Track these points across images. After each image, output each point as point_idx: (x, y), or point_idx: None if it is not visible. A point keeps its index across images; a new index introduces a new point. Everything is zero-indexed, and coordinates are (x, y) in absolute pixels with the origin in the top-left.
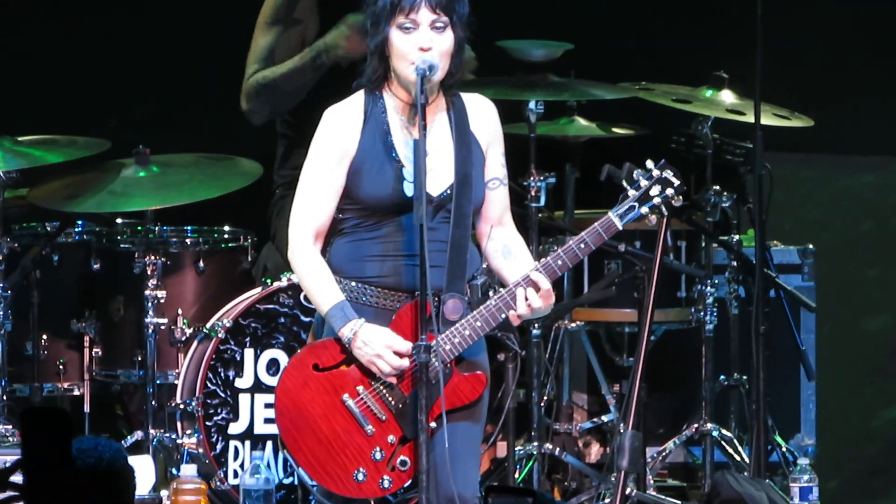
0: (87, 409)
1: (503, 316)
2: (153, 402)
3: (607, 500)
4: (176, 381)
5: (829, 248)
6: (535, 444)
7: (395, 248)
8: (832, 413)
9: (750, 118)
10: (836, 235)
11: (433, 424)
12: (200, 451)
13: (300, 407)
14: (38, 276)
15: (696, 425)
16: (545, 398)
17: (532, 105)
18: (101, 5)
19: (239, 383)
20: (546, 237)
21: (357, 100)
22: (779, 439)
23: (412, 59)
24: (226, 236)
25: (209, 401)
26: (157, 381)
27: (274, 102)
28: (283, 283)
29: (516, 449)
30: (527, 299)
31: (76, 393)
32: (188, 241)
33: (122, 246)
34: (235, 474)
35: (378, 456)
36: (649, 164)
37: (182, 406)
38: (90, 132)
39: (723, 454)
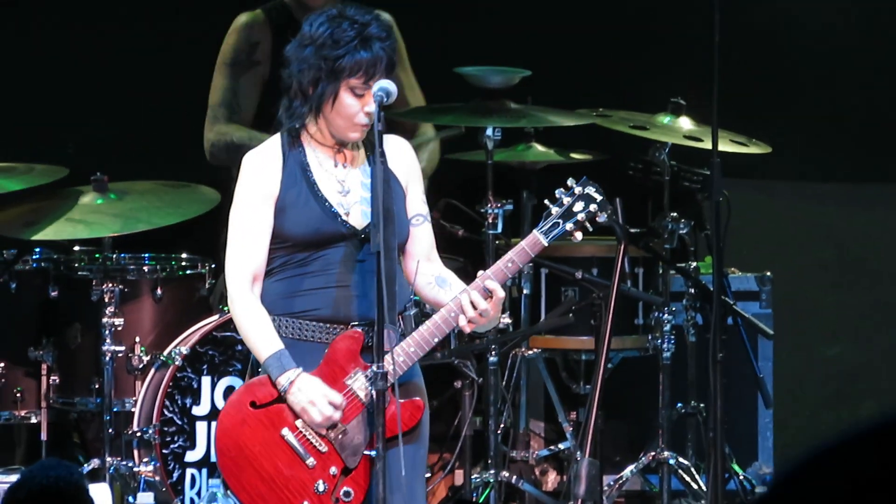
0: (44, 436)
1: (446, 331)
2: (110, 430)
3: None
4: (133, 409)
5: (787, 275)
6: (492, 471)
7: (326, 281)
8: (790, 440)
9: (707, 145)
10: (794, 262)
11: (373, 452)
12: (157, 478)
13: (240, 445)
14: None
15: (653, 453)
16: (502, 426)
17: (489, 132)
18: (59, 30)
19: (196, 411)
20: None
21: (274, 142)
22: (736, 467)
23: (358, 122)
24: (183, 263)
25: (166, 428)
26: (115, 409)
27: (240, 160)
28: None
29: (473, 477)
30: (473, 304)
31: (33, 421)
32: (146, 268)
33: (79, 273)
34: (192, 502)
35: (321, 488)
36: (570, 181)
37: (139, 434)
38: (48, 159)
39: (680, 482)
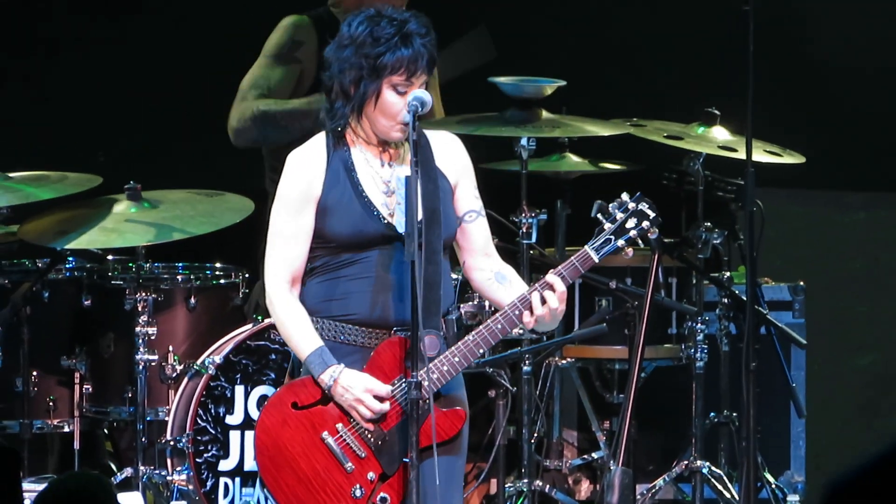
0: (77, 445)
1: (503, 335)
2: (143, 439)
3: None
4: (166, 418)
5: (820, 284)
6: (526, 480)
7: (367, 285)
8: (822, 450)
9: (741, 155)
10: (827, 272)
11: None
12: (190, 487)
13: (279, 445)
14: (29, 313)
15: (685, 462)
16: (535, 435)
17: (524, 141)
18: (91, 41)
19: (229, 420)
20: (537, 273)
21: (319, 141)
22: (769, 476)
23: (401, 120)
24: (217, 273)
25: (199, 437)
26: (148, 418)
27: (267, 133)
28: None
29: (507, 486)
30: (543, 301)
31: (66, 430)
32: (179, 277)
33: (112, 282)
34: None
35: (358, 493)
36: (624, 196)
37: (172, 443)
38: (80, 168)
39: (712, 491)
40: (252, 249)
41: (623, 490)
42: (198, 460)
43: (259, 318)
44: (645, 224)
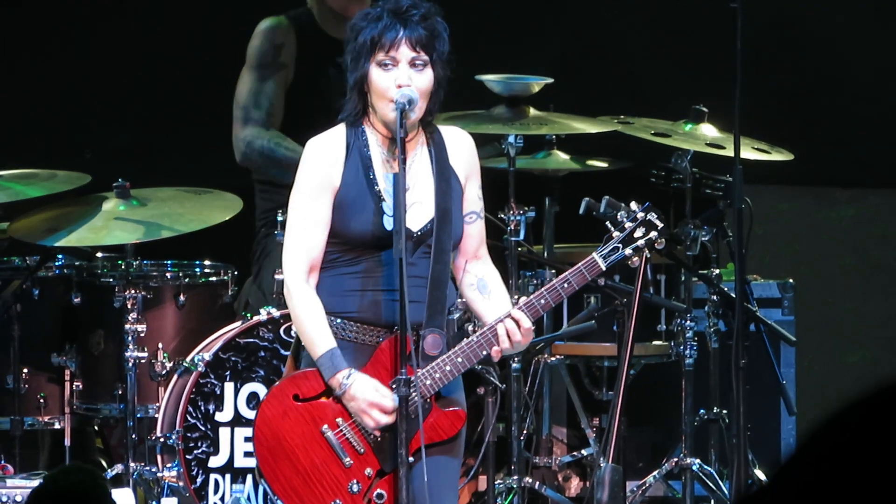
0: (67, 442)
1: (484, 353)
2: (133, 436)
3: None
4: (156, 415)
5: (809, 281)
6: (515, 477)
7: (375, 283)
8: None
9: (730, 152)
10: (816, 269)
11: (412, 459)
12: (181, 484)
13: (279, 437)
14: (19, 310)
15: (676, 459)
16: (525, 432)
17: (511, 139)
18: (81, 38)
19: (219, 417)
20: (525, 271)
21: (339, 132)
22: (759, 473)
23: (391, 97)
24: (206, 270)
25: (189, 434)
26: (138, 415)
27: (269, 170)
28: (263, 316)
29: (496, 483)
30: (508, 335)
31: (57, 426)
32: (168, 275)
33: (102, 280)
34: None
35: (355, 488)
36: (634, 206)
37: (162, 439)
38: (68, 165)
39: (703, 488)
40: (241, 247)
41: (613, 487)
42: (188, 457)
43: (248, 315)
44: (652, 234)
